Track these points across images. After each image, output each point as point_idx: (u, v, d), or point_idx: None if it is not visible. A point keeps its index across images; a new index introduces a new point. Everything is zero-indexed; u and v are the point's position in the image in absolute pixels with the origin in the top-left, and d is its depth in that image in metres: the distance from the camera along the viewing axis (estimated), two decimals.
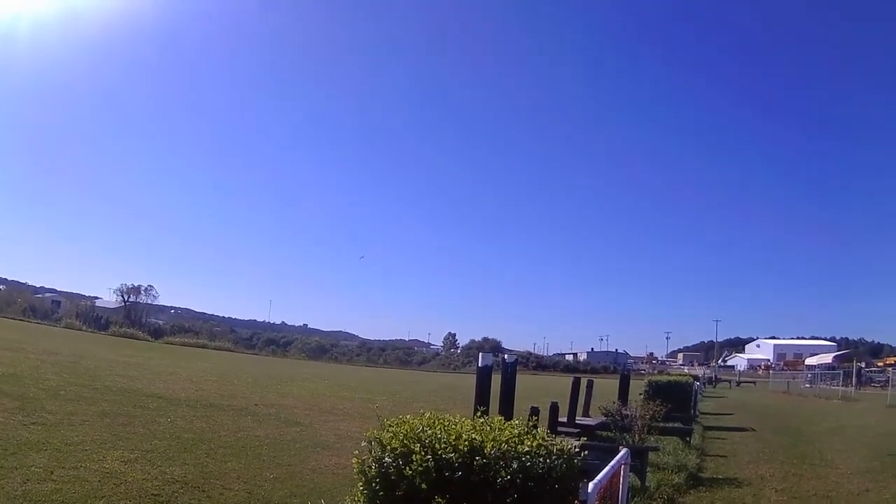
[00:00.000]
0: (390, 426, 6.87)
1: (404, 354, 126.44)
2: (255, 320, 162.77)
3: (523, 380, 27.62)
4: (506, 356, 17.70)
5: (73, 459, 11.83)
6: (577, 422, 23.12)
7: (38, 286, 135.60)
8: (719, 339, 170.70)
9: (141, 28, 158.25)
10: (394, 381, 55.09)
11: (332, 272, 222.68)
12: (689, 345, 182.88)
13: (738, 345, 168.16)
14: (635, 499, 12.85)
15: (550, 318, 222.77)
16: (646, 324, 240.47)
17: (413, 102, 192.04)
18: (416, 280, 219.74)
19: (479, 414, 7.85)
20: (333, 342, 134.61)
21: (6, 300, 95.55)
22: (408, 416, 7.06)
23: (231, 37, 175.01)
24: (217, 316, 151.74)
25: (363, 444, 6.83)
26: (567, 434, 17.85)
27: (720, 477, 17.34)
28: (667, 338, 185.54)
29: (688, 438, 22.77)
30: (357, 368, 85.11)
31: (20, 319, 77.08)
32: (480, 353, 16.42)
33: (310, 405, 26.57)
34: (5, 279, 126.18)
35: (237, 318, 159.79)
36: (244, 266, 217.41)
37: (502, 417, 7.66)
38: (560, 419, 21.23)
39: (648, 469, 15.33)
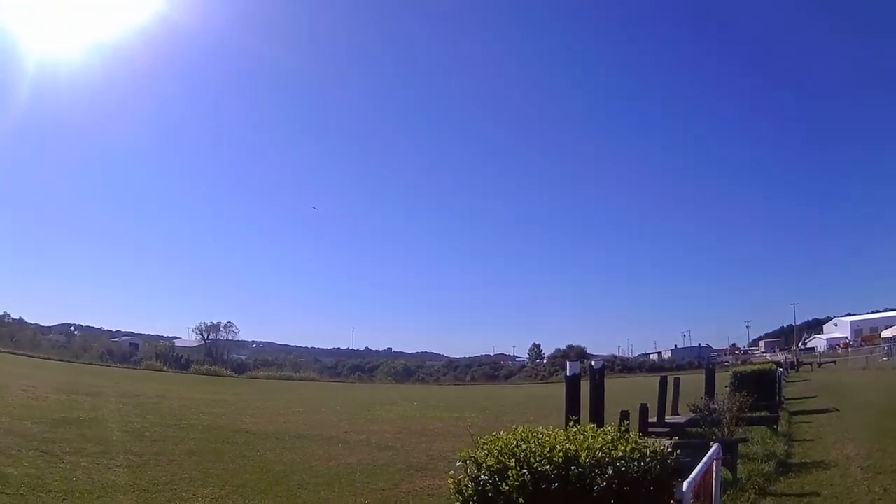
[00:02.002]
0: (484, 443, 7.01)
1: (491, 369, 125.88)
2: (338, 348, 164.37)
3: (611, 384, 27.50)
4: (592, 362, 17.71)
5: (161, 499, 12.12)
6: (666, 421, 23.39)
7: (113, 330, 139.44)
8: (798, 322, 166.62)
9: (199, 69, 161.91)
10: (482, 396, 55.25)
11: (413, 294, 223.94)
12: (770, 331, 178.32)
13: (816, 326, 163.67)
14: (728, 492, 12.80)
15: (632, 320, 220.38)
16: (726, 315, 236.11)
17: (473, 115, 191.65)
18: (498, 294, 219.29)
19: (571, 423, 8.08)
20: (419, 363, 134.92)
21: (82, 346, 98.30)
22: (501, 432, 7.21)
23: (297, 77, 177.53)
24: (300, 347, 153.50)
25: (458, 463, 6.94)
26: (658, 434, 18.14)
27: (808, 461, 17.24)
28: (747, 327, 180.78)
29: (775, 426, 23.04)
30: (445, 388, 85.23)
31: (98, 364, 79.02)
32: (568, 362, 16.41)
33: (400, 428, 26.75)
34: (80, 325, 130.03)
35: (320, 347, 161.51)
36: (324, 295, 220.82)
37: (594, 425, 7.79)
38: (650, 420, 21.43)
39: (739, 461, 15.47)
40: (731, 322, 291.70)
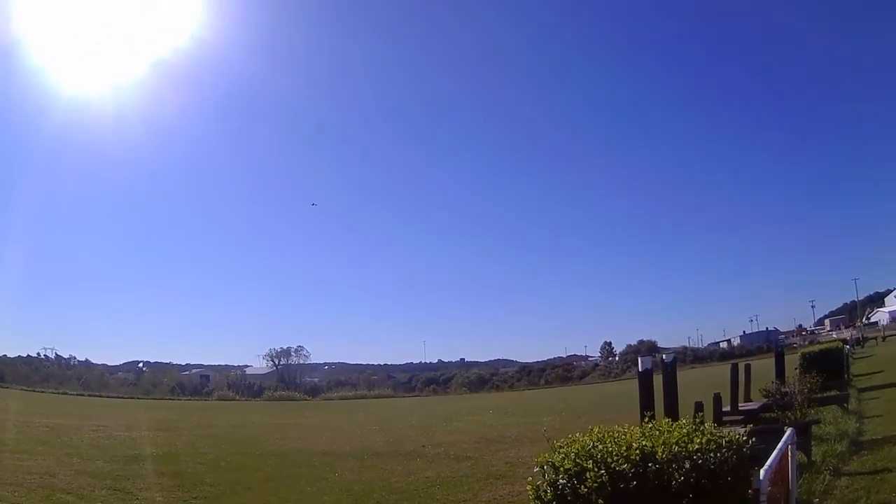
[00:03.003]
0: (560, 447, 7.11)
1: (564, 371, 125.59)
2: (411, 362, 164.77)
3: (683, 375, 27.26)
4: (664, 356, 17.84)
5: None
6: (740, 408, 23.42)
7: (182, 364, 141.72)
8: (860, 298, 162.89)
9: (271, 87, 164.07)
10: (557, 399, 55.12)
11: (482, 302, 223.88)
12: (834, 309, 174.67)
13: (878, 299, 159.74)
14: (804, 475, 12.54)
15: (699, 309, 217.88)
16: (791, 296, 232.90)
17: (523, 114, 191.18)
18: (567, 294, 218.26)
19: (646, 419, 8.12)
20: (493, 371, 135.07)
21: (151, 382, 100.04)
22: (577, 434, 7.35)
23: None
24: (372, 365, 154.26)
25: (535, 469, 7.05)
26: (733, 422, 18.88)
27: (879, 437, 16.87)
28: (812, 306, 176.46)
29: (845, 404, 22.80)
30: (519, 393, 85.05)
31: (169, 399, 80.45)
32: (639, 358, 16.42)
33: (477, 438, 26.66)
34: (147, 362, 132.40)
35: (393, 363, 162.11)
36: (393, 311, 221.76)
37: (669, 419, 8.05)
38: (724, 409, 21.45)
39: (813, 442, 15.41)
40: (796, 303, 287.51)
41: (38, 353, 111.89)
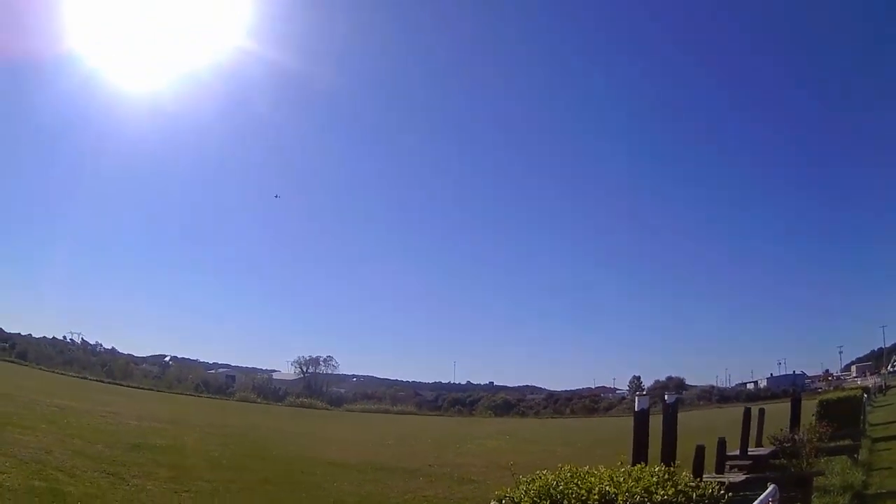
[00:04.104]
0: (523, 482, 7.11)
1: (590, 402, 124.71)
2: (439, 382, 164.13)
3: (706, 415, 27.44)
4: (666, 395, 17.56)
5: None
6: (749, 454, 23.05)
7: (210, 362, 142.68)
8: (886, 345, 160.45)
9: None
10: (577, 430, 55.42)
11: (515, 327, 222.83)
12: (861, 355, 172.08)
13: None
14: None
15: (729, 348, 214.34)
16: (819, 340, 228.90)
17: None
18: (599, 326, 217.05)
19: (640, 463, 7.90)
20: (520, 397, 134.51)
21: (176, 377, 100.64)
22: (545, 471, 7.31)
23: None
24: (401, 381, 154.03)
25: (492, 502, 7.12)
26: (739, 467, 19.00)
27: (884, 491, 16.72)
28: (840, 352, 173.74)
29: (855, 455, 22.68)
30: (542, 421, 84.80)
31: (190, 395, 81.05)
32: (637, 397, 16.17)
33: (488, 462, 26.66)
34: (175, 357, 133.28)
35: (422, 381, 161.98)
36: (425, 329, 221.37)
37: (662, 464, 7.69)
38: (733, 453, 21.37)
39: (814, 494, 15.33)
40: (824, 348, 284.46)
41: (65, 336, 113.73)
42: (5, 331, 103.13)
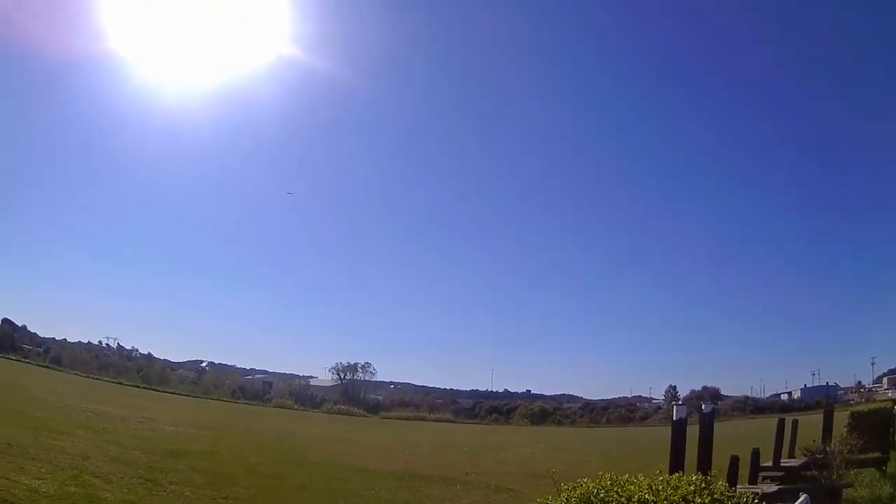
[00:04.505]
0: (565, 490, 7.27)
1: (626, 412, 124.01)
2: (477, 390, 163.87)
3: (740, 425, 27.13)
4: (703, 405, 17.82)
5: None
6: (781, 465, 23.20)
7: (247, 368, 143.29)
8: None
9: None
10: (612, 439, 55.00)
11: (553, 336, 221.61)
12: (894, 367, 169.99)
13: None
14: None
15: (764, 359, 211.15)
16: (853, 352, 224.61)
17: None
18: (635, 335, 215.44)
19: (678, 472, 8.09)
20: (557, 406, 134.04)
21: (213, 382, 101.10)
22: (585, 479, 7.43)
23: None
24: (439, 388, 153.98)
25: None
26: (771, 478, 19.29)
27: None
28: (872, 363, 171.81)
29: (884, 468, 22.75)
30: (578, 430, 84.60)
31: (226, 400, 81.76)
32: (675, 407, 16.30)
33: (523, 471, 26.56)
34: (212, 362, 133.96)
35: (459, 388, 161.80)
36: (463, 337, 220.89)
37: (698, 473, 7.79)
38: (766, 464, 21.56)
39: None
40: (858, 359, 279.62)
41: (100, 341, 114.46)
42: (40, 336, 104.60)
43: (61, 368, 76.79)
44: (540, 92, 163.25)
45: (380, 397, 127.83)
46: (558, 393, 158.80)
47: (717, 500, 6.63)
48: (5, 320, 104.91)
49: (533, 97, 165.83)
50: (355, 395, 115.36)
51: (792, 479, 19.12)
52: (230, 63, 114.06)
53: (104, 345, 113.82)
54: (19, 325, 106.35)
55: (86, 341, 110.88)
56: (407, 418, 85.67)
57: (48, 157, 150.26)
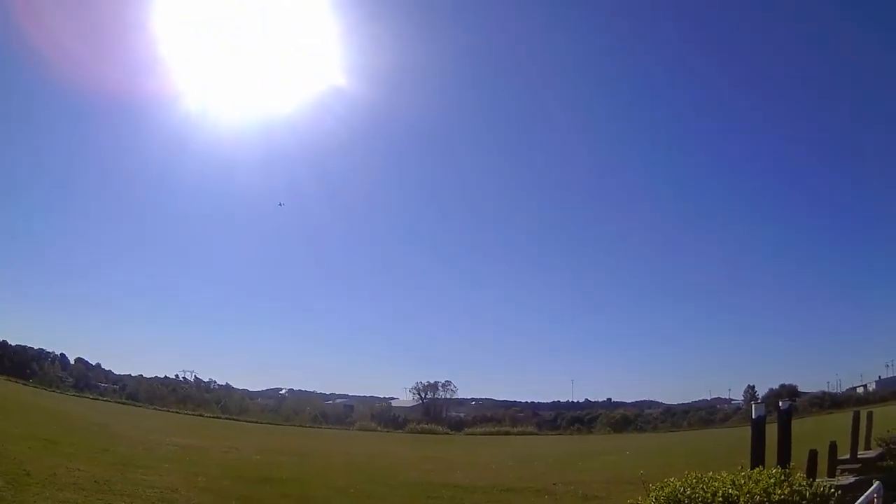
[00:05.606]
0: (653, 490, 7.87)
1: (707, 414, 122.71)
2: (558, 401, 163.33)
3: (818, 421, 26.80)
4: (780, 403, 17.93)
5: None
6: (858, 457, 23.22)
7: (327, 393, 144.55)
8: None
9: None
10: (695, 441, 55.07)
11: (631, 343, 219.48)
12: None
13: None
14: None
15: (840, 352, 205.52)
16: None
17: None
18: (713, 337, 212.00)
19: (759, 467, 8.92)
20: (638, 412, 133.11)
21: (293, 409, 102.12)
22: (671, 479, 7.97)
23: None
24: (519, 402, 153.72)
25: None
26: (849, 470, 19.56)
27: None
28: None
29: None
30: (661, 435, 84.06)
31: (309, 426, 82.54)
32: (753, 405, 17.43)
33: (610, 478, 26.66)
34: (291, 389, 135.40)
35: (540, 401, 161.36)
36: (543, 350, 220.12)
37: (773, 467, 8.62)
38: (843, 457, 21.63)
39: None
40: None
41: (177, 375, 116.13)
42: (115, 373, 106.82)
43: (139, 404, 78.49)
44: (583, 115, 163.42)
45: (462, 414, 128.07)
46: (639, 399, 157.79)
47: (795, 490, 7.07)
48: (79, 359, 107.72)
49: (574, 118, 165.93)
50: (437, 413, 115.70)
51: (869, 470, 19.17)
52: (283, 94, 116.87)
53: (181, 378, 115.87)
54: (93, 364, 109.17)
55: (162, 376, 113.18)
56: (490, 433, 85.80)
57: (112, 194, 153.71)
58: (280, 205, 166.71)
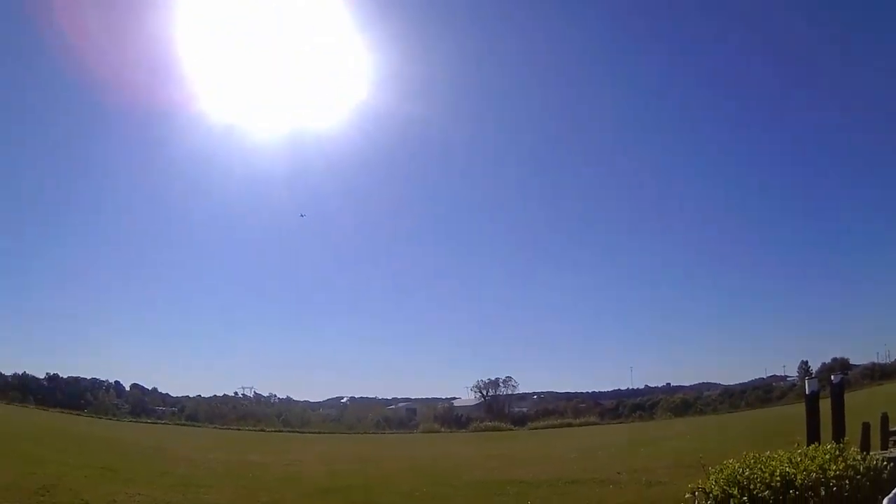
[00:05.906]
0: (712, 473, 8.07)
1: (763, 393, 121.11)
2: (618, 389, 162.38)
3: (870, 393, 26.32)
4: (832, 377, 17.59)
5: None
6: None
7: (388, 398, 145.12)
8: None
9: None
10: (753, 421, 54.62)
11: (689, 326, 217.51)
12: None
13: None
14: None
15: (890, 324, 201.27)
16: None
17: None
18: (766, 313, 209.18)
19: (814, 443, 9.38)
20: (697, 395, 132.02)
21: (355, 417, 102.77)
22: (730, 460, 8.20)
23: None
24: (580, 393, 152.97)
25: (686, 495, 8.11)
26: None
27: None
28: None
29: None
30: (720, 416, 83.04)
31: (372, 433, 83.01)
32: (807, 381, 17.54)
33: (673, 463, 26.54)
34: (352, 397, 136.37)
35: (600, 390, 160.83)
36: (601, 339, 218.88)
37: (828, 443, 8.87)
38: (894, 428, 21.00)
39: None
40: None
41: (236, 392, 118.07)
42: (172, 396, 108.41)
43: (199, 424, 79.62)
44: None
45: (524, 409, 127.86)
46: (697, 382, 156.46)
47: (850, 465, 7.16)
48: (134, 385, 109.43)
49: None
50: (499, 410, 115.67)
51: None
52: (312, 108, 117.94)
53: (240, 395, 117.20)
54: (149, 389, 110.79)
55: (221, 394, 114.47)
56: (553, 426, 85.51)
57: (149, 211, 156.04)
58: (302, 216, 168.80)
